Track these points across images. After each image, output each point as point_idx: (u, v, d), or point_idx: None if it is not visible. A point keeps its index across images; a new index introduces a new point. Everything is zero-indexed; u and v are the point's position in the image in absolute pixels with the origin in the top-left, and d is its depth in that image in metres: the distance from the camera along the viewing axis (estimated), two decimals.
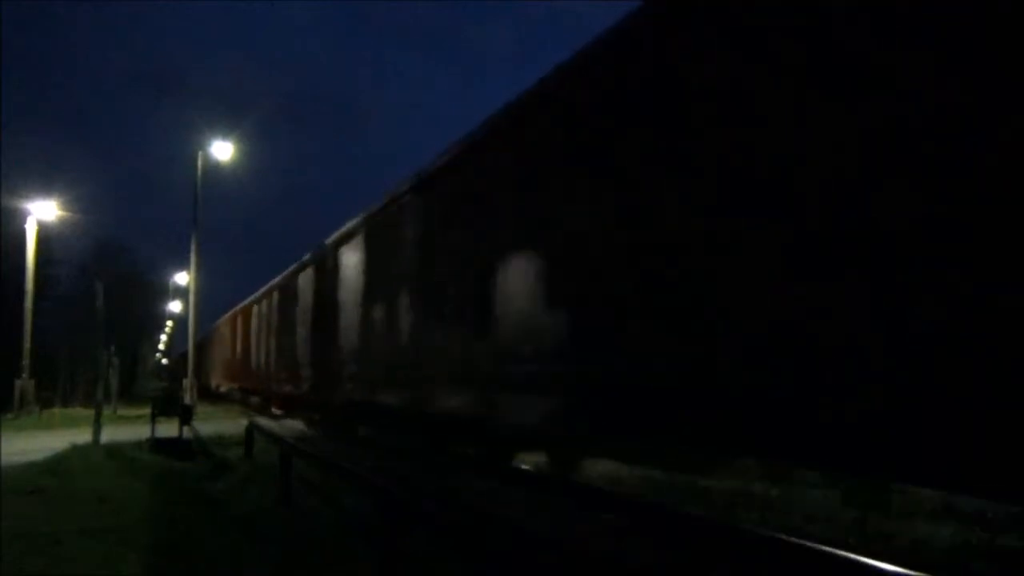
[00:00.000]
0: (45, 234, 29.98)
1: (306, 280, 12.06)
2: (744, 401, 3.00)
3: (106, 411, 15.49)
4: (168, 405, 13.95)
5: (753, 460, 6.21)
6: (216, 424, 16.02)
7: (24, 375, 24.66)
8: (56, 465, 9.49)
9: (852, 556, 3.85)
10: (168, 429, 12.57)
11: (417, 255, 6.86)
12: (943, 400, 2.28)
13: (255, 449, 10.68)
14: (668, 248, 3.46)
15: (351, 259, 9.42)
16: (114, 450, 11.21)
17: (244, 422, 11.94)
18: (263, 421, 11.60)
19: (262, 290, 17.75)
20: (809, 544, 4.13)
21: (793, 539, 4.28)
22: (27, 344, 25.39)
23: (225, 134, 24.24)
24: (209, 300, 42.71)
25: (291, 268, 13.60)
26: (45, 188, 29.17)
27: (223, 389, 27.46)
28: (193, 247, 23.82)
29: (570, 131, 4.45)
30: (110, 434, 12.77)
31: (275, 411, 16.45)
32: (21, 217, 27.54)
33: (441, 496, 4.37)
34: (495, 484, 5.69)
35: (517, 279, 4.85)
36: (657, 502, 5.53)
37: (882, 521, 5.49)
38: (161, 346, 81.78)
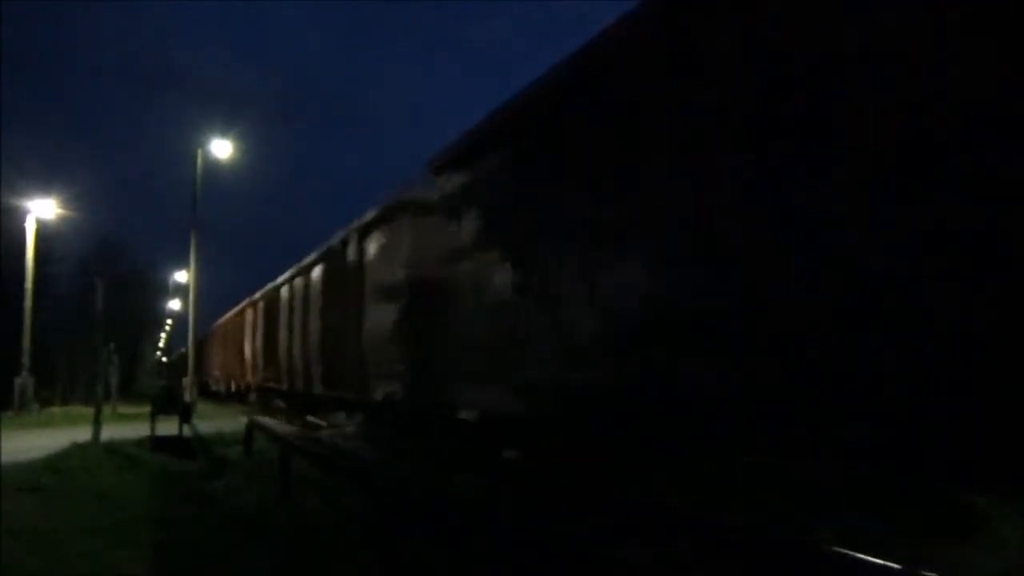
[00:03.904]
0: (45, 232, 29.96)
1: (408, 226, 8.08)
2: None
3: (106, 409, 15.50)
4: (168, 403, 13.95)
5: None
6: (216, 422, 16.03)
7: (24, 373, 24.66)
8: (56, 463, 9.48)
9: (851, 554, 3.84)
10: (168, 427, 12.56)
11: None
12: None
13: (255, 447, 10.68)
14: None
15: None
16: (114, 448, 11.20)
17: (244, 420, 11.95)
18: (263, 419, 11.60)
19: (309, 259, 13.02)
20: (810, 543, 4.13)
21: (795, 538, 4.27)
22: (27, 342, 25.39)
23: (224, 132, 24.19)
24: (209, 298, 42.75)
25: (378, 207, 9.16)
26: (44, 186, 29.07)
27: (236, 387, 24.44)
28: (193, 245, 23.80)
29: None
30: (110, 432, 12.76)
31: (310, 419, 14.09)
32: (20, 215, 27.54)
33: None
34: None
35: None
36: None
37: None
38: (161, 344, 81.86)
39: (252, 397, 21.14)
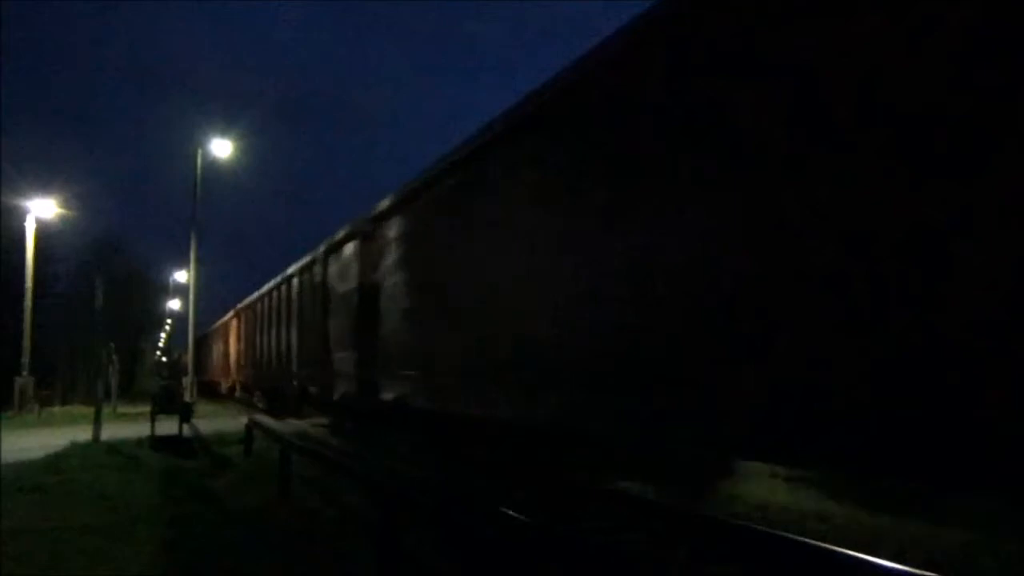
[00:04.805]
0: (44, 232, 29.97)
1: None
2: None
3: (106, 409, 15.50)
4: (168, 403, 13.94)
5: None
6: (216, 422, 16.02)
7: (24, 373, 24.66)
8: (56, 463, 9.49)
9: (853, 554, 3.84)
10: (168, 427, 12.56)
11: None
12: None
13: (255, 447, 10.68)
14: None
15: None
16: (114, 448, 11.21)
17: (244, 420, 11.94)
18: (263, 419, 11.58)
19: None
20: (811, 542, 4.13)
21: (795, 537, 4.27)
22: (27, 342, 25.39)
23: (224, 132, 24.23)
24: (209, 298, 42.76)
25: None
26: (44, 186, 29.09)
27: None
28: (192, 245, 23.82)
29: None
30: (110, 432, 12.78)
31: None
32: (20, 215, 27.54)
33: None
34: None
35: None
36: None
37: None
38: (161, 344, 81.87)
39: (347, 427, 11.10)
